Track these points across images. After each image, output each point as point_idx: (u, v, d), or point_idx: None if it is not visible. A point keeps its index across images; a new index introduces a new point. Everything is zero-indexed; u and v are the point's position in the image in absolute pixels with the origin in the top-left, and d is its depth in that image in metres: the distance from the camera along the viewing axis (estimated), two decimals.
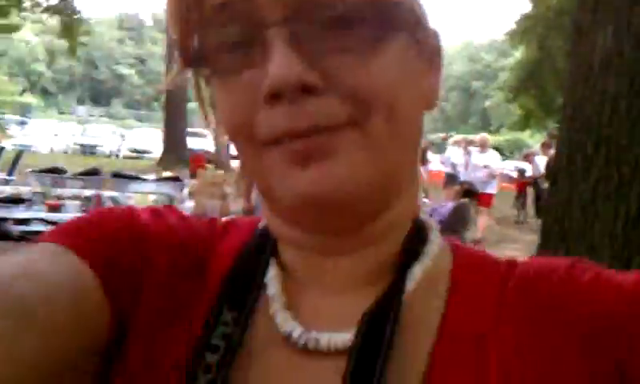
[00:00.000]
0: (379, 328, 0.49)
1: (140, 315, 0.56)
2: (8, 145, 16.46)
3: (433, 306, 0.53)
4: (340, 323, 0.52)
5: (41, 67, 62.61)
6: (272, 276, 0.56)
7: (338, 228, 0.53)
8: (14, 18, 27.57)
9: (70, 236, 0.55)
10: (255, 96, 0.48)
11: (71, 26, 25.18)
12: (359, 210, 0.51)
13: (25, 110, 49.04)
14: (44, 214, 5.66)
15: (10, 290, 0.46)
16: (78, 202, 5.81)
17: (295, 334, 0.52)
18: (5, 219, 5.70)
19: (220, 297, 0.55)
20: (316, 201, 0.48)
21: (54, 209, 5.65)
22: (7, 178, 8.75)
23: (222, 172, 6.36)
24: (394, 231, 0.55)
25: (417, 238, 0.56)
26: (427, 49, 0.55)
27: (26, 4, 27.20)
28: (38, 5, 26.91)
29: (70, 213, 5.64)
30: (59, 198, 5.95)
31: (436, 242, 0.57)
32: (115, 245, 0.56)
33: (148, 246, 0.59)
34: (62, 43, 28.19)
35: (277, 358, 0.53)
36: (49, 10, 26.91)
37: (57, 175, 6.61)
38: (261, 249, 0.58)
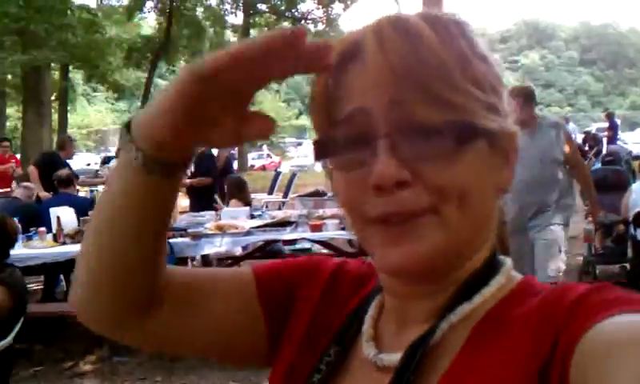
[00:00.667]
0: (416, 354, 0.64)
1: (292, 326, 0.82)
2: (287, 167, 18.28)
3: (461, 339, 0.66)
4: (403, 348, 0.66)
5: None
6: (368, 316, 0.76)
7: (420, 286, 0.69)
8: None
9: (260, 266, 0.87)
10: (365, 186, 0.64)
11: None
12: (436, 275, 0.67)
13: (300, 132, 53.73)
14: (308, 234, 6.19)
15: (216, 275, 0.87)
16: (336, 221, 6.22)
17: (370, 355, 0.71)
18: (277, 240, 6.38)
19: (331, 336, 0.77)
20: (403, 272, 0.65)
21: (317, 228, 6.13)
22: (282, 200, 9.73)
23: None
24: (462, 281, 0.68)
25: (476, 282, 0.68)
26: (504, 149, 0.69)
27: None
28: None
29: (331, 231, 6.06)
30: (321, 218, 6.43)
31: (494, 285, 0.68)
32: (279, 275, 0.85)
33: (312, 280, 0.84)
34: None
35: (362, 374, 0.72)
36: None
37: (318, 198, 7.17)
38: (376, 293, 0.78)
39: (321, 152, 0.70)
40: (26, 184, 7.53)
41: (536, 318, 0.61)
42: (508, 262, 0.72)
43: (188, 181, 8.49)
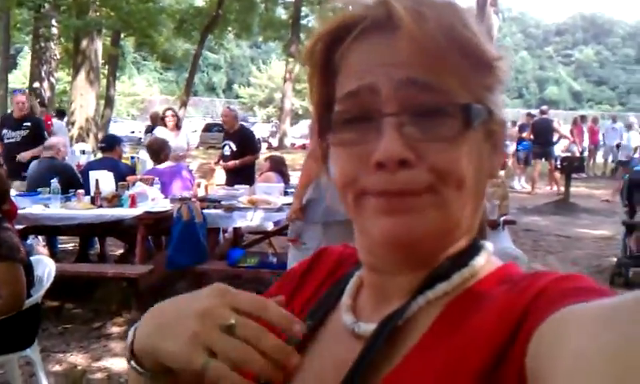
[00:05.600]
0: (390, 325, 0.67)
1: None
2: None
3: (435, 315, 0.67)
4: (379, 320, 0.69)
5: None
6: (348, 289, 0.79)
7: (405, 260, 0.69)
8: None
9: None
10: (365, 162, 0.65)
11: None
12: (423, 251, 0.68)
13: None
14: None
15: None
16: None
17: (348, 323, 0.73)
18: None
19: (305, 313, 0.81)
20: (393, 241, 0.65)
21: None
22: None
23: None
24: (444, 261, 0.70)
25: (456, 262, 0.69)
26: (495, 135, 0.71)
27: None
28: None
29: None
30: None
31: (474, 266, 0.69)
32: (301, 269, 0.89)
33: (319, 265, 0.88)
34: None
35: (338, 339, 0.74)
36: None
37: None
38: (355, 270, 0.80)
39: (322, 128, 0.71)
40: (49, 143, 7.51)
41: (504, 301, 0.61)
42: (489, 245, 0.73)
43: (232, 162, 8.22)
